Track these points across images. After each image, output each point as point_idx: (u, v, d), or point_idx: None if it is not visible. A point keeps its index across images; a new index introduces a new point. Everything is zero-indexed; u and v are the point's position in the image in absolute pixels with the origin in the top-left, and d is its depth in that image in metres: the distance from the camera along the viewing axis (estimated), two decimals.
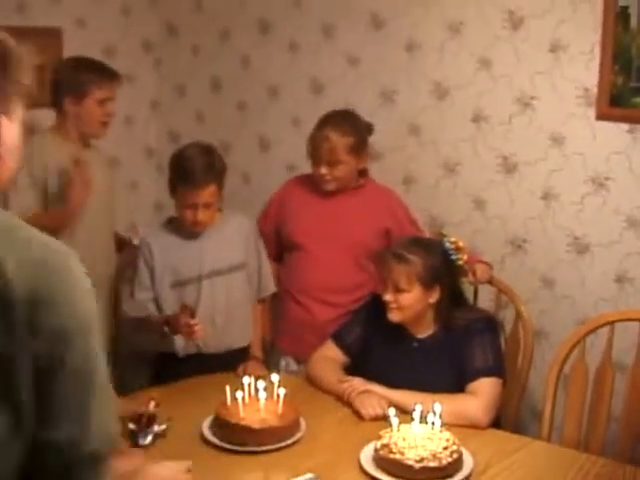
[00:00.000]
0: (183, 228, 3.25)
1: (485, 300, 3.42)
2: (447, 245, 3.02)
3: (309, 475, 2.35)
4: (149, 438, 2.62)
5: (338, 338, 3.18)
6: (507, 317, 3.45)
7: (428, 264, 2.91)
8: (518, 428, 3.23)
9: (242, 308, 3.35)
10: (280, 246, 3.55)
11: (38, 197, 3.32)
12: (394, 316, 2.97)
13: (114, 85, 3.45)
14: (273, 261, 3.52)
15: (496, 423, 2.92)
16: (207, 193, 3.15)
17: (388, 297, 2.95)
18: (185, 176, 3.15)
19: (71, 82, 3.38)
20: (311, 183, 3.49)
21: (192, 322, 3.05)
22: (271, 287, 3.46)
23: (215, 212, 3.26)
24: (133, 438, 2.62)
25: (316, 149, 3.38)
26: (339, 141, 3.33)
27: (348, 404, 2.93)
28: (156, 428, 2.65)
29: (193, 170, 3.13)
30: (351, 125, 3.40)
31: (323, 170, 3.37)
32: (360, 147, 3.40)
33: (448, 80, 3.74)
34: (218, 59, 4.46)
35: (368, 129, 3.50)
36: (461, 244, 3.05)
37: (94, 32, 4.27)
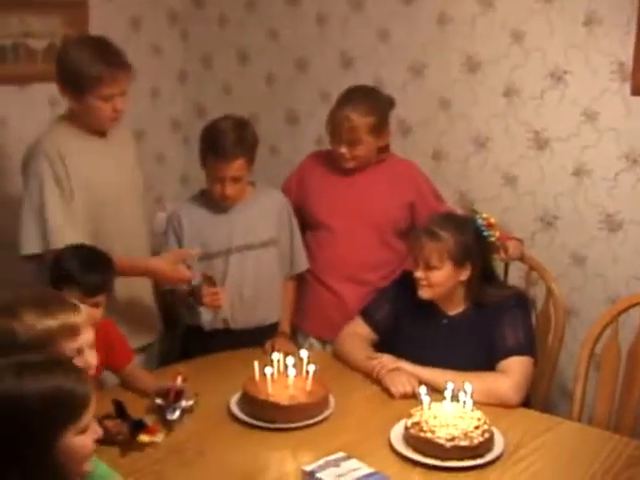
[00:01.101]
0: (213, 201, 3.24)
1: (515, 277, 3.38)
2: (479, 222, 2.99)
3: (340, 454, 2.32)
4: (177, 413, 2.61)
5: (367, 314, 3.16)
6: (537, 294, 3.41)
7: (460, 241, 2.88)
8: (547, 407, 3.19)
9: (272, 284, 3.33)
10: (302, 221, 3.50)
11: (69, 213, 2.95)
12: (424, 293, 2.94)
13: (121, 79, 2.98)
14: None
15: (525, 402, 2.89)
16: (235, 167, 3.12)
17: (419, 274, 2.92)
18: (215, 148, 3.13)
19: (68, 73, 2.95)
20: (330, 159, 3.43)
21: (214, 290, 3.06)
22: (304, 264, 3.41)
23: (245, 186, 3.23)
24: (161, 413, 2.61)
25: (336, 128, 3.32)
26: (360, 121, 3.26)
27: (377, 381, 2.91)
28: (184, 403, 2.64)
29: (223, 143, 3.12)
30: (373, 103, 3.33)
31: (343, 149, 3.32)
32: (381, 126, 3.34)
33: (479, 54, 3.67)
34: (245, 31, 4.40)
35: (390, 104, 3.43)
36: (493, 221, 3.01)
37: (120, 4, 4.23)
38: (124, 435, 2.45)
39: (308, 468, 2.26)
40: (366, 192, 3.38)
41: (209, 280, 3.11)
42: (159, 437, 2.49)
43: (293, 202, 3.46)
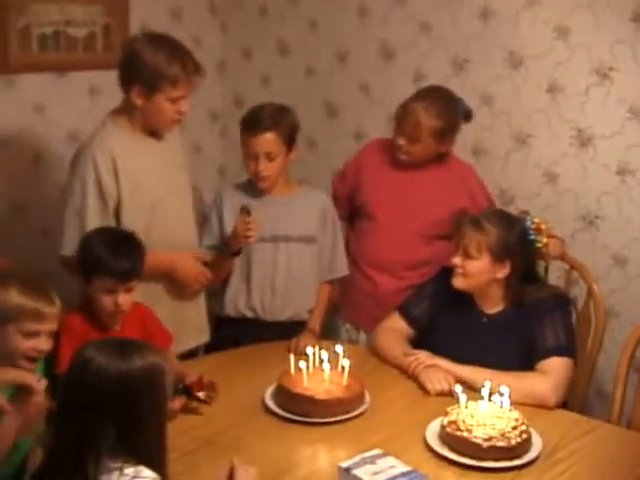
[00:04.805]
0: (257, 189, 3.24)
1: (554, 276, 3.33)
2: (528, 224, 2.95)
3: (377, 450, 2.28)
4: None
5: (405, 310, 3.12)
6: (577, 294, 3.35)
7: (502, 237, 2.84)
8: (583, 409, 3.14)
9: (304, 281, 3.29)
10: (351, 208, 3.51)
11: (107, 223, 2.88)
12: (457, 281, 2.91)
13: (194, 82, 2.93)
14: (342, 220, 3.47)
15: (562, 404, 2.84)
16: (267, 140, 3.12)
17: (456, 260, 2.89)
18: (249, 122, 3.16)
19: (143, 70, 2.84)
20: (391, 150, 3.39)
21: (248, 220, 3.05)
22: (343, 269, 3.39)
23: (281, 169, 3.21)
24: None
25: (401, 119, 3.29)
26: (426, 121, 3.22)
27: (413, 378, 2.87)
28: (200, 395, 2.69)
29: (257, 117, 3.15)
30: (446, 109, 3.27)
31: (401, 141, 3.29)
32: (446, 133, 3.30)
33: (523, 49, 3.62)
34: (285, 22, 4.38)
35: (466, 117, 3.38)
36: (543, 227, 2.98)
37: None
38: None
39: (344, 464, 2.22)
40: (419, 193, 3.36)
41: (245, 211, 3.09)
42: (202, 394, 2.65)
43: (348, 186, 3.48)
